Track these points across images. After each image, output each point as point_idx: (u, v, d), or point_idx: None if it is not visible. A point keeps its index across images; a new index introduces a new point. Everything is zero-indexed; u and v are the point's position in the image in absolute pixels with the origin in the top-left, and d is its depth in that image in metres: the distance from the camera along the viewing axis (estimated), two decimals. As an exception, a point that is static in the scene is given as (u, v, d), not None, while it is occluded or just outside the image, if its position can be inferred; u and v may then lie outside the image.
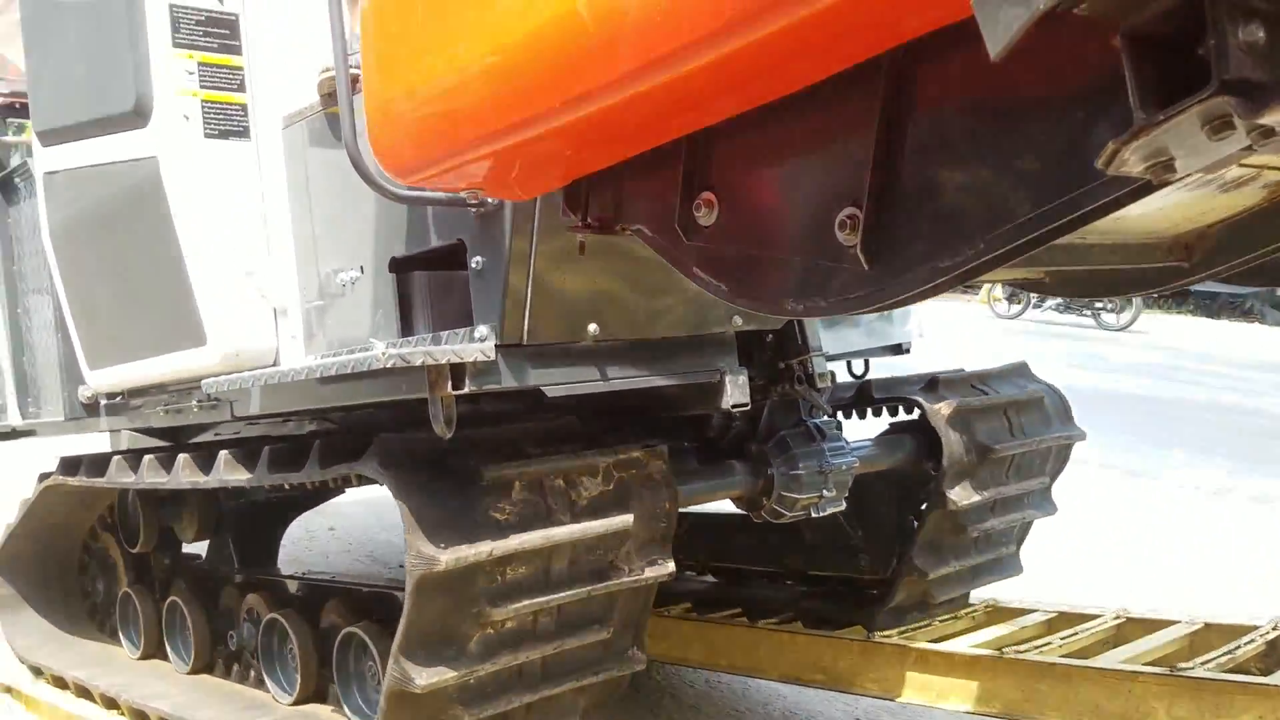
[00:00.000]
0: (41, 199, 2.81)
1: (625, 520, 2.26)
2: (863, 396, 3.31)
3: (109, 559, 3.73)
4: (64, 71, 2.59)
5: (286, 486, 2.55)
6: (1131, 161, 0.91)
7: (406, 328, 2.25)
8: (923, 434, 3.17)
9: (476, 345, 1.95)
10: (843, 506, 2.91)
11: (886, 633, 3.17)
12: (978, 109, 1.10)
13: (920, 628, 3.27)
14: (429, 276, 2.23)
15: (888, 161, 1.19)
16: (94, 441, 3.89)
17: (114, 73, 2.41)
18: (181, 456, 2.69)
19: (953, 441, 3.03)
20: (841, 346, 3.33)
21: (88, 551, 3.83)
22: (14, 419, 3.38)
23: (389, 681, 2.09)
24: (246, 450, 2.53)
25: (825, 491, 2.83)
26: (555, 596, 2.18)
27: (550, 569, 2.19)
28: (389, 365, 1.83)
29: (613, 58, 1.17)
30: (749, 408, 2.50)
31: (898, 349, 3.64)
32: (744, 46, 1.09)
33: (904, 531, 3.32)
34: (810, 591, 3.60)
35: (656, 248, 1.44)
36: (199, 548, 3.52)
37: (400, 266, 2.23)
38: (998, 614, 3.45)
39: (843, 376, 3.59)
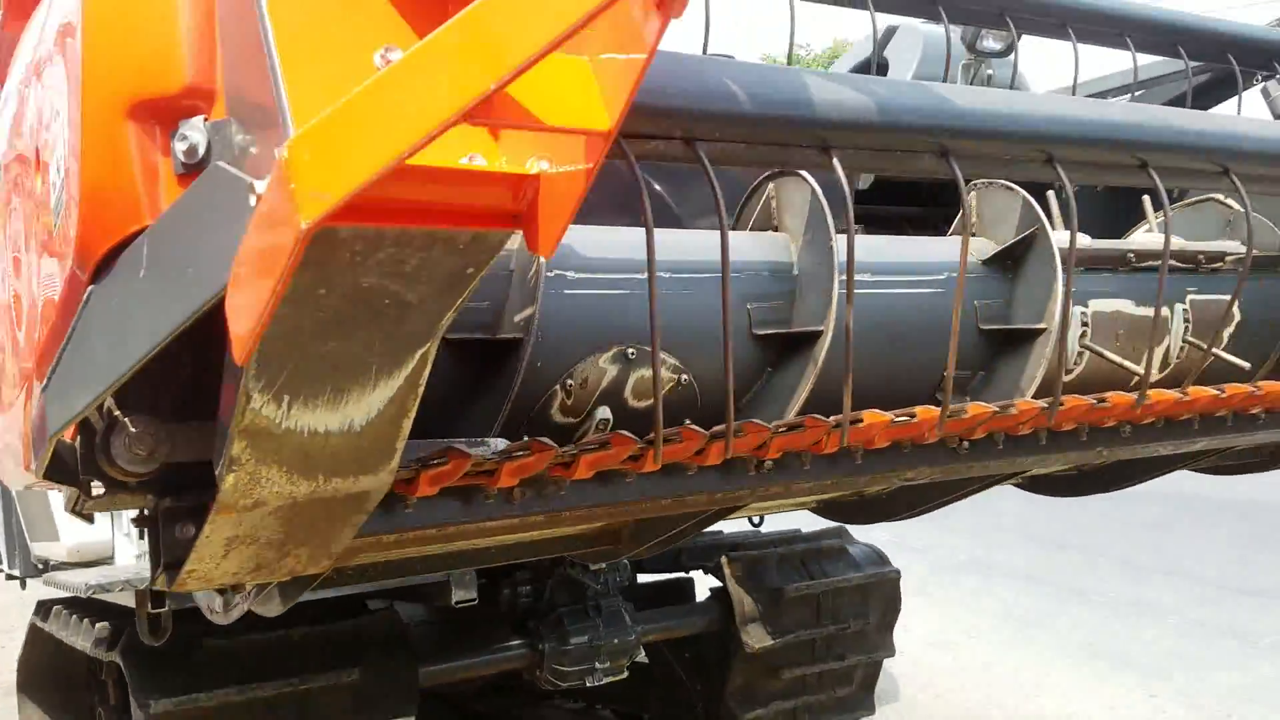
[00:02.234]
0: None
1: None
2: (675, 562, 3.62)
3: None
4: None
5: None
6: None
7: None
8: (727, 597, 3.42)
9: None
10: (623, 675, 3.21)
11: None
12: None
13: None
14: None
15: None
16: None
17: None
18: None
19: (741, 590, 3.29)
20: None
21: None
22: (7, 567, 4.13)
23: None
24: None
25: (598, 664, 3.15)
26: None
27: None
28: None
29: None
30: (475, 603, 2.88)
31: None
32: None
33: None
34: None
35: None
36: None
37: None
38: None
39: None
